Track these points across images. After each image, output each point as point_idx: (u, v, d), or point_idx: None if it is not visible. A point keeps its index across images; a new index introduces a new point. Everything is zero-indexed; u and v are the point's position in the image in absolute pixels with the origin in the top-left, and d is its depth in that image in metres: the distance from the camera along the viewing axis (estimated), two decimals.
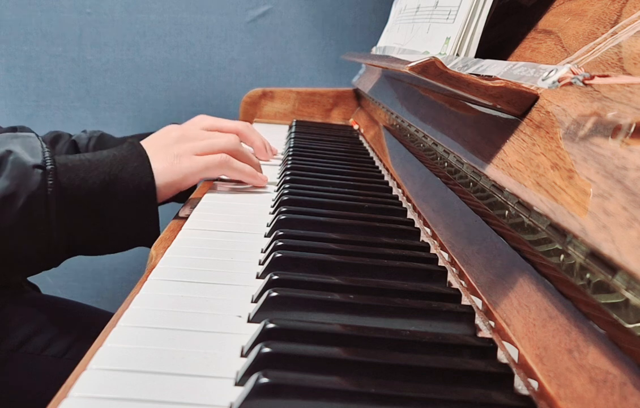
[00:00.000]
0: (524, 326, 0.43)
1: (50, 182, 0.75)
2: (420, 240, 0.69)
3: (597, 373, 0.34)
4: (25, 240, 0.75)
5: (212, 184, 0.91)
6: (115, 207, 0.79)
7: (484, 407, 0.38)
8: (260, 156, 1.07)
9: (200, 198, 0.84)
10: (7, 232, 0.74)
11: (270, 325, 0.44)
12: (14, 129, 1.09)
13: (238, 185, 0.92)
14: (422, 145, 0.80)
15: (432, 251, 0.65)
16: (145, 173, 0.81)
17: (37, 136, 0.80)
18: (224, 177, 0.92)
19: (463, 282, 0.56)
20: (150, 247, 0.79)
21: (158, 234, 0.81)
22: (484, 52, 0.74)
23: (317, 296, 0.50)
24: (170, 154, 0.84)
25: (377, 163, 1.07)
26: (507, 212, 0.48)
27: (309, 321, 0.47)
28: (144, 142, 0.87)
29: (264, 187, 0.90)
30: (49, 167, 0.76)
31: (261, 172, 0.92)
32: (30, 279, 1.11)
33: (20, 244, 0.75)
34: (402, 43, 1.03)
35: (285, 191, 0.83)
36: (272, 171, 1.01)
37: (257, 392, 0.37)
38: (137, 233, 0.82)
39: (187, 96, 1.87)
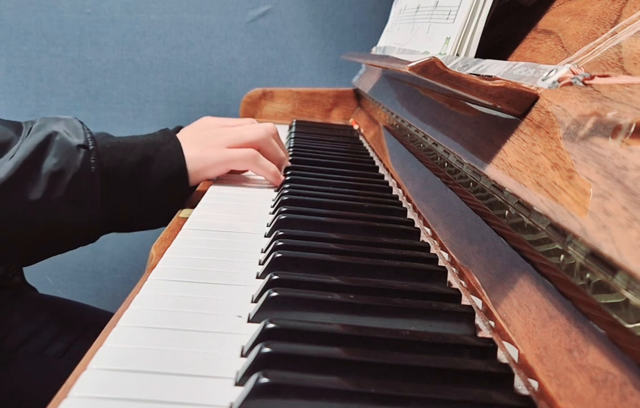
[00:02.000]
0: (524, 326, 0.43)
1: (93, 161, 0.81)
2: (420, 240, 0.69)
3: (597, 373, 0.34)
4: (72, 213, 0.81)
5: (212, 183, 0.91)
6: (150, 186, 0.85)
7: (484, 407, 0.38)
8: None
9: (200, 198, 0.84)
10: (57, 205, 0.80)
11: (270, 325, 0.44)
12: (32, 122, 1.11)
13: (238, 185, 0.92)
14: (422, 145, 0.80)
15: (432, 251, 0.65)
16: (177, 156, 0.87)
17: (76, 118, 0.87)
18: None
19: (463, 282, 0.56)
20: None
21: None
22: (484, 52, 0.74)
23: (317, 296, 0.50)
24: (201, 143, 0.89)
25: (377, 163, 1.07)
26: (507, 212, 0.48)
27: (309, 321, 0.47)
28: (182, 131, 0.93)
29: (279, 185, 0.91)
30: (91, 147, 0.82)
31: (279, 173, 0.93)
32: (30, 280, 1.11)
33: (68, 216, 0.81)
34: (402, 43, 1.03)
35: (285, 191, 0.83)
36: None
37: (257, 392, 0.37)
38: (169, 211, 0.85)
39: (187, 96, 1.87)
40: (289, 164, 0.99)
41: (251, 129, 0.92)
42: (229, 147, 0.90)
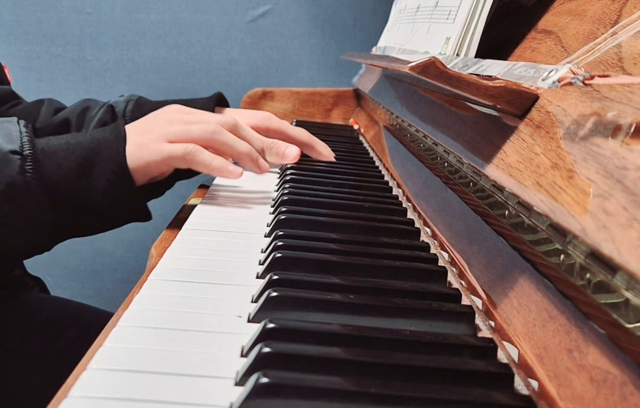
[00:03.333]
0: (524, 326, 0.43)
1: (29, 167, 0.73)
2: (420, 240, 0.69)
3: (597, 373, 0.34)
4: (11, 227, 0.73)
5: (214, 180, 0.91)
6: (93, 190, 0.76)
7: (484, 407, 0.38)
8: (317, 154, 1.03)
9: (200, 198, 0.84)
10: None
11: (270, 325, 0.44)
12: (40, 102, 1.11)
13: (239, 183, 0.92)
14: (422, 145, 0.80)
15: (432, 251, 0.65)
16: (118, 153, 0.77)
17: (19, 120, 0.77)
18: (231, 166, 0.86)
19: (463, 282, 0.56)
20: (144, 221, 0.83)
21: (148, 213, 0.83)
22: (484, 52, 0.74)
23: (317, 296, 0.50)
24: (145, 137, 0.80)
25: (377, 163, 1.07)
26: (507, 212, 0.48)
27: (309, 321, 0.47)
28: (138, 120, 0.84)
29: (238, 176, 0.82)
30: (26, 152, 0.73)
31: (256, 161, 0.85)
32: (33, 275, 1.11)
33: (7, 231, 0.73)
34: (402, 43, 1.03)
35: (285, 191, 0.83)
36: (272, 172, 1.01)
37: (257, 391, 0.37)
38: (119, 214, 0.80)
39: (187, 96, 1.87)
40: (289, 164, 0.98)
41: (200, 125, 0.82)
42: (172, 141, 0.80)
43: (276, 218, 0.70)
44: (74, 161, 0.76)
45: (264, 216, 0.78)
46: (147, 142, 0.79)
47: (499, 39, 0.77)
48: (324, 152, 1.03)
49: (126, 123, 0.82)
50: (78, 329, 0.98)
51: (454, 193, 0.66)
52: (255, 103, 1.56)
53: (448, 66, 0.53)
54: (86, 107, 1.09)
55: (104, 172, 0.76)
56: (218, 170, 0.80)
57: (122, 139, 0.78)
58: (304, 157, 1.01)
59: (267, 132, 0.96)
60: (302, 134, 1.01)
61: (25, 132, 0.75)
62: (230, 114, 0.84)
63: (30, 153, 0.73)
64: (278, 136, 0.97)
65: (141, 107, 1.07)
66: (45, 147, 0.75)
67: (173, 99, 1.06)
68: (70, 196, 0.75)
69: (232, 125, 0.84)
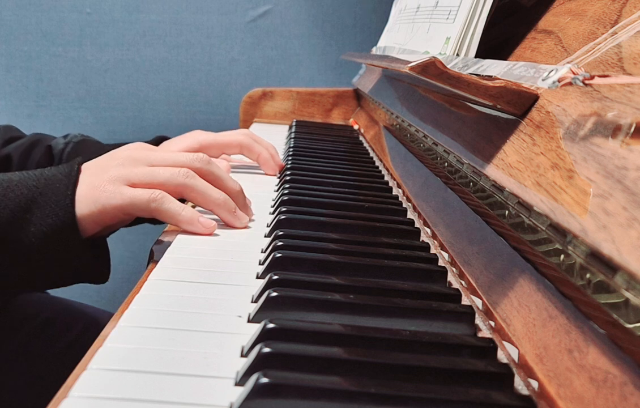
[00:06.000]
0: (524, 326, 0.43)
1: None
2: (420, 240, 0.69)
3: (597, 373, 0.34)
4: None
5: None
6: (31, 237, 0.64)
7: (484, 407, 0.38)
8: (267, 169, 0.98)
9: None
10: None
11: (270, 325, 0.44)
12: None
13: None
14: (422, 145, 0.80)
15: (432, 251, 0.65)
16: (65, 196, 0.65)
17: None
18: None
19: (463, 282, 0.56)
20: (95, 283, 0.71)
21: (103, 271, 0.72)
22: (484, 52, 0.74)
23: (317, 296, 0.50)
24: (100, 178, 0.67)
25: (377, 163, 1.07)
26: (507, 212, 0.48)
27: (309, 321, 0.47)
28: (96, 158, 0.71)
29: (210, 233, 0.69)
30: None
31: (233, 212, 0.72)
32: None
33: None
34: (402, 43, 1.03)
35: (285, 191, 0.83)
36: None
37: (257, 392, 0.37)
38: (62, 268, 0.67)
39: (187, 96, 1.88)
40: (289, 164, 0.98)
41: (169, 169, 0.69)
42: (134, 184, 0.67)
43: (276, 218, 0.70)
44: (13, 200, 0.65)
45: (264, 216, 0.78)
46: (103, 183, 0.66)
47: (499, 39, 0.77)
48: (264, 154, 0.96)
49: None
50: (78, 329, 0.98)
51: (454, 193, 0.66)
52: (255, 103, 1.56)
53: (448, 66, 0.53)
54: (34, 143, 1.01)
55: (45, 215, 0.65)
56: (188, 222, 0.67)
57: (72, 179, 0.66)
58: (304, 156, 1.01)
59: (201, 151, 0.88)
60: (237, 137, 0.94)
61: None
62: (201, 153, 0.73)
63: None
64: (214, 150, 0.91)
65: (81, 150, 0.99)
66: None
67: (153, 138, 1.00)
68: (3, 241, 0.64)
69: (204, 165, 0.71)
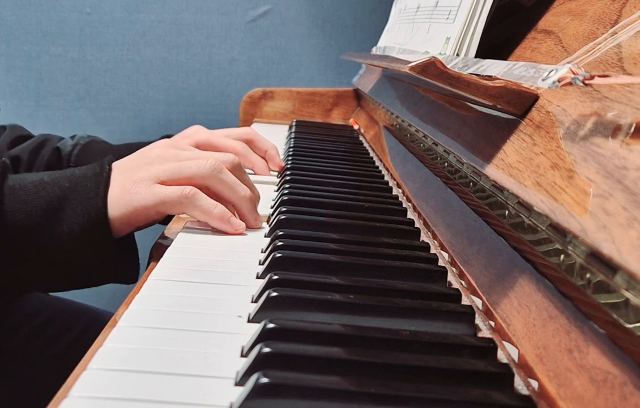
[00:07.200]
0: (524, 326, 0.43)
1: None
2: (420, 240, 0.69)
3: (597, 373, 0.34)
4: None
5: None
6: (63, 236, 0.64)
7: (484, 407, 0.38)
8: (272, 166, 0.97)
9: None
10: None
11: (270, 325, 0.44)
12: (2, 128, 1.04)
13: None
14: (422, 145, 0.80)
15: (432, 251, 0.65)
16: (97, 195, 0.65)
17: None
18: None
19: (463, 282, 0.56)
20: (124, 283, 0.69)
21: (133, 271, 0.71)
22: (484, 52, 0.74)
23: (317, 296, 0.50)
24: (130, 178, 0.67)
25: (377, 163, 1.07)
26: (507, 212, 0.48)
27: (309, 321, 0.47)
28: (126, 158, 0.71)
29: (239, 234, 0.70)
30: None
31: (256, 201, 0.73)
32: None
33: None
34: (402, 43, 1.03)
35: (285, 191, 0.83)
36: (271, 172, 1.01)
37: (257, 392, 0.37)
38: (92, 268, 0.67)
39: (187, 96, 1.88)
40: (289, 164, 0.99)
41: (196, 160, 0.69)
42: (163, 182, 0.67)
43: (276, 218, 0.70)
44: (45, 198, 0.65)
45: (263, 216, 0.78)
46: (134, 184, 0.66)
47: (499, 39, 0.77)
48: (257, 163, 0.95)
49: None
50: (78, 329, 0.98)
51: (454, 193, 0.66)
52: (255, 103, 1.56)
53: (448, 66, 0.53)
54: (42, 143, 1.01)
55: (77, 214, 0.64)
56: (219, 219, 0.68)
57: (103, 178, 0.66)
58: (304, 156, 1.01)
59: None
60: (233, 145, 0.90)
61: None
62: (228, 153, 0.74)
63: None
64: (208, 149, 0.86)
65: (89, 152, 0.98)
66: (15, 184, 0.66)
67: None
68: (34, 240, 0.65)
69: (232, 163, 0.71)
